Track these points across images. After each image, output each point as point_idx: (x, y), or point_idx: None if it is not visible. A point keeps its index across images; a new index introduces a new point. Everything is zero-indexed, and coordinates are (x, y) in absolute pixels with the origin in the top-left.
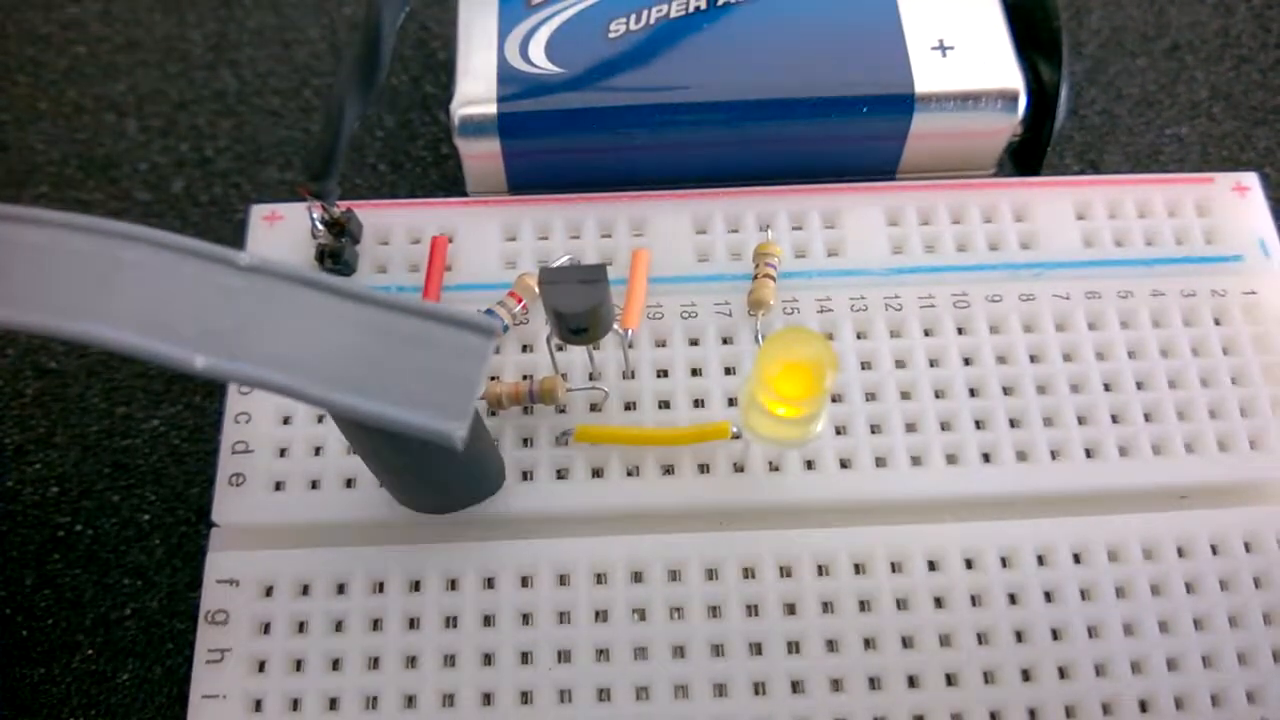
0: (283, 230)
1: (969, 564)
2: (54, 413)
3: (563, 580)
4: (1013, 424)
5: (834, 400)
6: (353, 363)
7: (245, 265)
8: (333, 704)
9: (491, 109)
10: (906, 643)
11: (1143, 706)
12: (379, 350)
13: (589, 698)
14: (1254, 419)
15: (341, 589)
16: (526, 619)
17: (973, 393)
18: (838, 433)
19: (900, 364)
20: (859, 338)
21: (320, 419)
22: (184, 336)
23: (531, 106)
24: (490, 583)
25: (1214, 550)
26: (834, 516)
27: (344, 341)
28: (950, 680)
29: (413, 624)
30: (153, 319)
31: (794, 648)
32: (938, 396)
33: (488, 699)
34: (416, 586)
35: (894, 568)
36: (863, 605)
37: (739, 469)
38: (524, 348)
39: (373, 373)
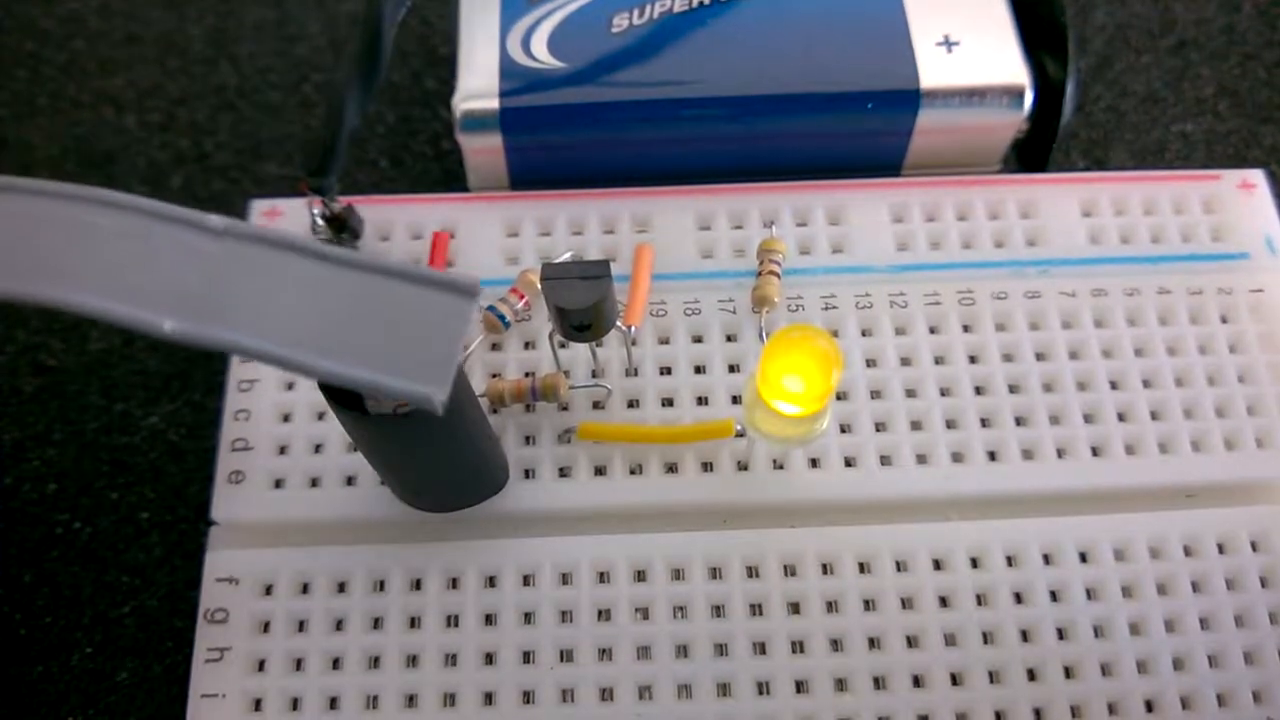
0: (282, 226)
1: (974, 563)
2: (52, 410)
3: (565, 579)
4: (1019, 422)
5: (839, 398)
6: (329, 326)
7: (217, 228)
8: (333, 703)
9: (493, 104)
10: (911, 642)
11: (1149, 706)
12: (356, 313)
13: (591, 697)
14: (1261, 417)
15: (342, 587)
16: (528, 618)
17: (978, 390)
18: (842, 431)
19: (905, 361)
20: (864, 335)
21: (321, 416)
22: (154, 300)
23: (534, 101)
24: (492, 581)
25: (1220, 549)
26: (838, 515)
27: (320, 305)
28: (955, 679)
29: (414, 623)
30: (121, 283)
31: (798, 647)
32: (943, 394)
33: (489, 698)
34: (417, 585)
35: (899, 566)
36: (867, 604)
37: (743, 467)
38: (526, 344)
39: (350, 336)
